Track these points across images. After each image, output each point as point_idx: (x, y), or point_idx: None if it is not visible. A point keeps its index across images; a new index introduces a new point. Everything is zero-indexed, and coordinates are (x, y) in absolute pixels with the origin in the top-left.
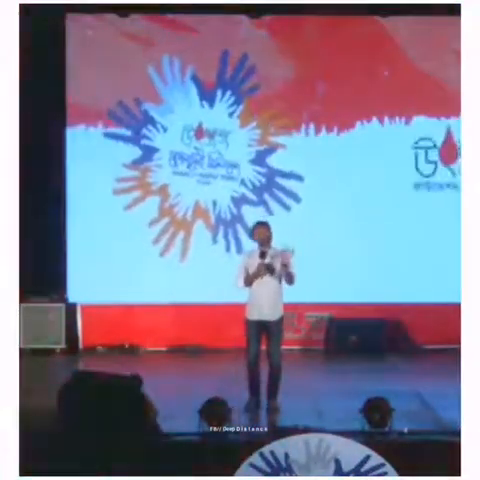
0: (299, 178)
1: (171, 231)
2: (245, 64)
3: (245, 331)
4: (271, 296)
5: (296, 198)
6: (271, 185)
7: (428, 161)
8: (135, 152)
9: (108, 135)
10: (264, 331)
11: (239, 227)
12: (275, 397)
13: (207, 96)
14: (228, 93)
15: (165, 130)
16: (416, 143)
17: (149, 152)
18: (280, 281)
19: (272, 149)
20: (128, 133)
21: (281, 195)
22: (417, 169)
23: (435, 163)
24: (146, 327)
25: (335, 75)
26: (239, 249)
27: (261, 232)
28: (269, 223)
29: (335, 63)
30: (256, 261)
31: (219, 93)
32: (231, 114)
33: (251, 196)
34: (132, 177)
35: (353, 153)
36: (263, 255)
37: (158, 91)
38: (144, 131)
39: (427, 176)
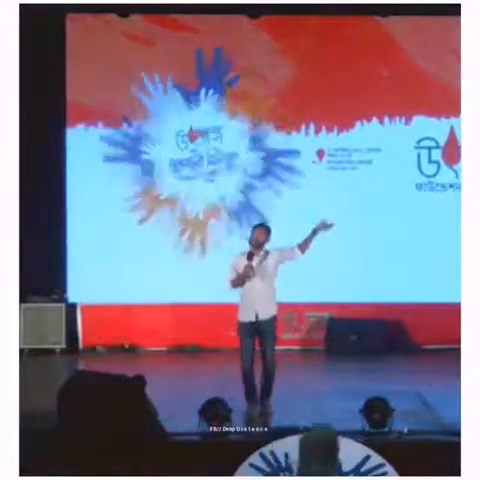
0: (297, 154)
1: (188, 233)
2: (220, 57)
3: (238, 333)
4: (261, 297)
5: (297, 172)
6: (272, 166)
7: (431, 161)
8: (136, 168)
9: (108, 159)
10: (256, 332)
11: (253, 217)
12: (268, 398)
13: (192, 98)
14: (211, 90)
15: (160, 142)
16: (418, 143)
17: (149, 166)
18: (272, 281)
19: (266, 132)
20: (125, 152)
21: (284, 174)
22: (420, 169)
23: (438, 163)
24: (146, 327)
25: (335, 75)
26: None
27: (255, 233)
28: (268, 226)
29: (335, 63)
30: (244, 262)
31: (202, 92)
32: (218, 109)
33: (256, 183)
34: (137, 193)
35: (354, 153)
36: (250, 256)
37: (146, 106)
38: (141, 147)
39: (430, 176)
